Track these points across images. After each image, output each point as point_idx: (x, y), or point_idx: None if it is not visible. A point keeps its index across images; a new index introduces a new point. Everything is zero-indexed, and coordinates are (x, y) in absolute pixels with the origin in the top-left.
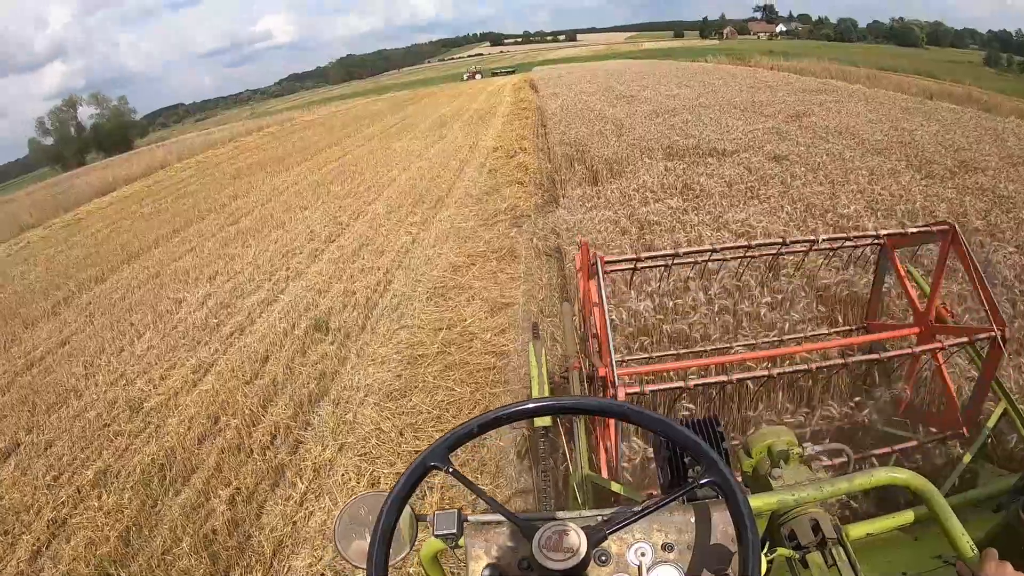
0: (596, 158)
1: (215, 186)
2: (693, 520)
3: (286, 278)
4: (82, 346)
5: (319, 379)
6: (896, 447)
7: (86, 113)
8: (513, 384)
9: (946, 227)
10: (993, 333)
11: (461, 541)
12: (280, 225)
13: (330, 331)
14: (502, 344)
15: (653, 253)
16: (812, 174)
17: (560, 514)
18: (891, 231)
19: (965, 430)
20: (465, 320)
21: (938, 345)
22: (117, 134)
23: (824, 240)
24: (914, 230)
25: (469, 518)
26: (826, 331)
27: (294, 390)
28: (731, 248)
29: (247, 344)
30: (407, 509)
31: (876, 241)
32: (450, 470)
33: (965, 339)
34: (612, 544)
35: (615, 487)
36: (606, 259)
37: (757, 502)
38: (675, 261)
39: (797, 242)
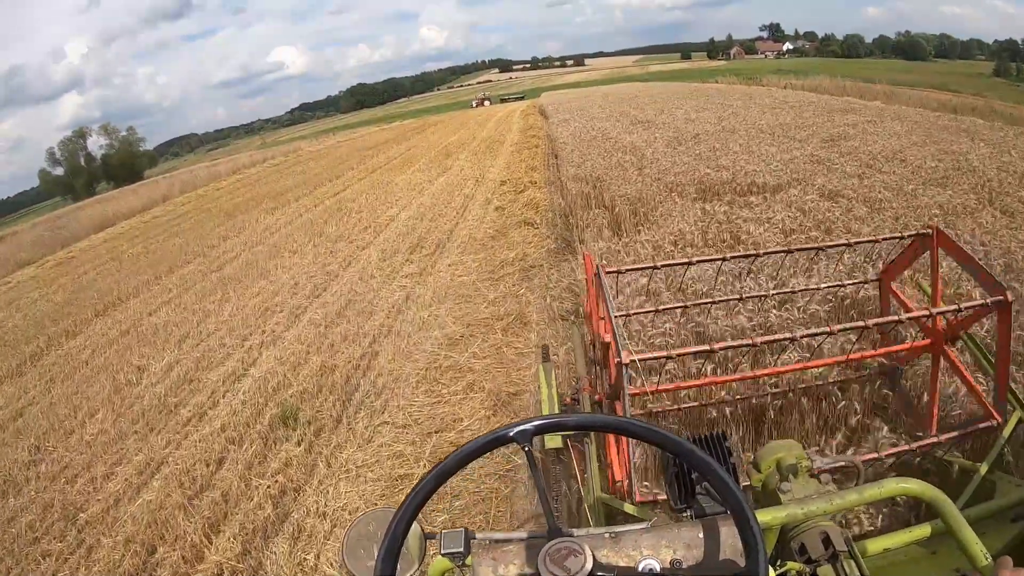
0: (617, 197)
1: (209, 223)
2: (701, 535)
3: (260, 344)
4: (34, 423)
5: (278, 498)
6: (915, 444)
7: (96, 144)
8: (525, 525)
9: (929, 229)
10: (998, 298)
11: (468, 560)
12: (264, 274)
13: (299, 424)
14: (508, 462)
15: (664, 262)
16: (878, 215)
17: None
18: (875, 238)
19: (996, 417)
20: (461, 420)
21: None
22: (126, 165)
23: (813, 246)
24: (968, 305)
25: (476, 536)
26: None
27: (247, 513)
28: (715, 260)
29: (203, 437)
30: (415, 527)
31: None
32: (527, 448)
33: (966, 305)
34: (620, 561)
35: (627, 508)
36: (607, 269)
37: (766, 516)
38: (686, 265)
39: (790, 251)
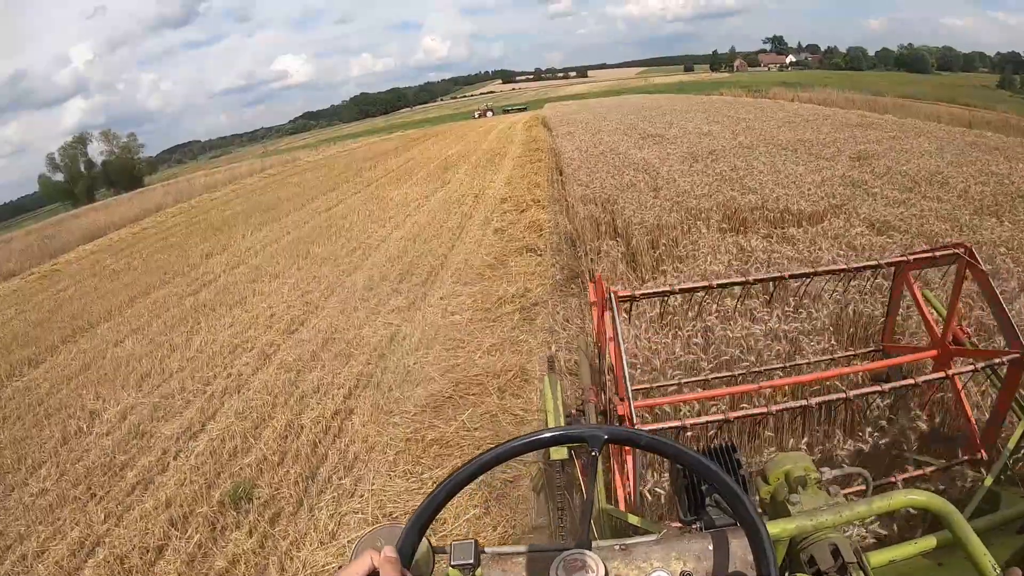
0: (633, 225)
1: (196, 238)
2: (711, 547)
3: (223, 391)
4: None
5: None
6: (916, 472)
7: (97, 150)
8: None
9: (961, 248)
10: (1013, 355)
11: (478, 572)
12: (240, 301)
13: (253, 505)
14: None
15: (682, 286)
16: None
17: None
18: (905, 256)
19: (982, 453)
20: (443, 521)
21: (958, 370)
22: (126, 171)
23: (842, 267)
24: (928, 255)
25: (486, 550)
26: (843, 354)
27: None
28: (738, 283)
29: (145, 513)
30: (424, 541)
31: (890, 265)
32: (595, 453)
33: (983, 363)
34: (631, 573)
35: (632, 519)
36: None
37: (775, 528)
38: (705, 289)
39: (817, 273)
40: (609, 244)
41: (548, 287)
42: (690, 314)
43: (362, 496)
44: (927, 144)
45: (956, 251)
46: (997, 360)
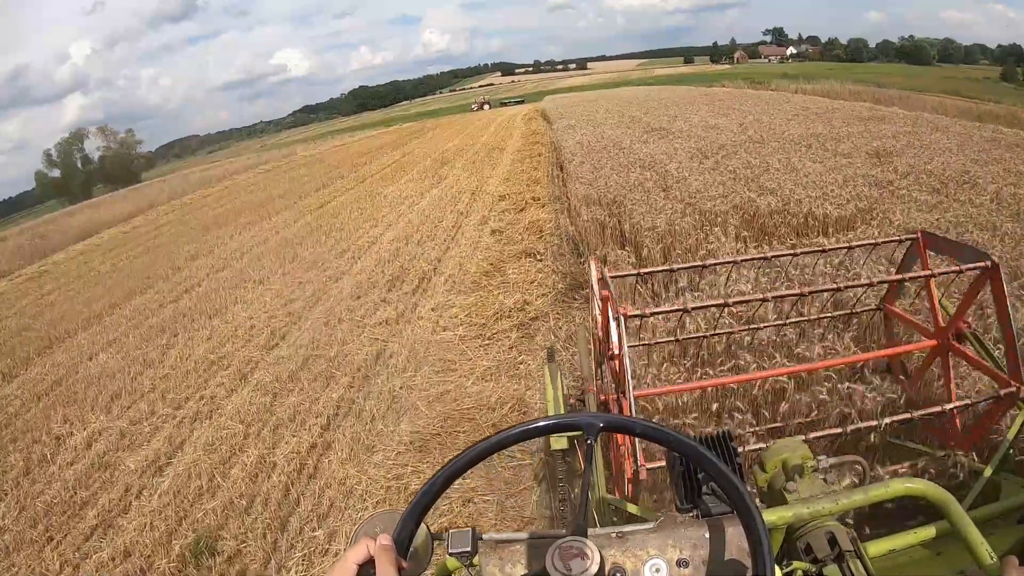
0: (643, 231)
1: (185, 238)
2: (707, 535)
3: (194, 417)
4: None
5: None
6: (930, 410)
7: (94, 145)
8: None
9: (989, 264)
10: (984, 265)
11: (476, 560)
12: (220, 311)
13: (216, 560)
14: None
15: (653, 269)
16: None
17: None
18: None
19: (1017, 386)
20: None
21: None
22: (123, 167)
23: (856, 244)
24: (957, 268)
25: (484, 537)
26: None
27: None
28: (753, 259)
29: (103, 563)
30: (423, 527)
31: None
32: (590, 441)
33: (956, 268)
34: (627, 561)
35: (631, 508)
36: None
37: (772, 516)
38: (699, 269)
39: (812, 252)
40: (618, 254)
41: (549, 298)
42: (719, 347)
43: (336, 555)
44: (945, 140)
45: (982, 265)
46: (972, 266)
